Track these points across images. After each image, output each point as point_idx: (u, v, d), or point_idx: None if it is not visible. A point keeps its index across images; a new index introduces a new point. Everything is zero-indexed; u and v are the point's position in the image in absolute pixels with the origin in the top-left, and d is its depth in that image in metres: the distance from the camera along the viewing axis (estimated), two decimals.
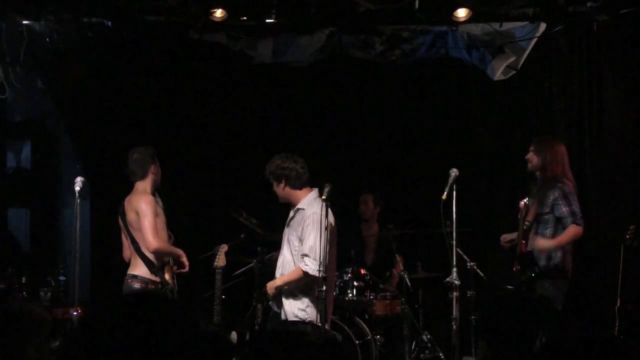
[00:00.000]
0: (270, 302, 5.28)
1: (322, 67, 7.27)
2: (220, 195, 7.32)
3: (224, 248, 5.92)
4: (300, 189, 5.15)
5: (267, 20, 6.51)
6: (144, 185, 5.35)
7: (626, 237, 6.34)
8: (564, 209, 5.45)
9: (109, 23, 6.82)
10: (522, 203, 5.59)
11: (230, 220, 6.67)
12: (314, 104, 7.64)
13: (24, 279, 5.95)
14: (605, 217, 6.64)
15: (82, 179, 5.37)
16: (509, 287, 5.64)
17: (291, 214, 5.20)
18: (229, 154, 7.59)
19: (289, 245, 5.16)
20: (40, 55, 6.82)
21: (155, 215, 5.24)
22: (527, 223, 5.46)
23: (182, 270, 5.44)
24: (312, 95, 7.64)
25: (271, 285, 5.15)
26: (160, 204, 5.44)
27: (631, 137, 6.94)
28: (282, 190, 5.16)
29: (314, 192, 5.16)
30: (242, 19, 6.41)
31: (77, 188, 5.25)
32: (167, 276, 5.33)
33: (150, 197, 5.26)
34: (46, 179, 7.38)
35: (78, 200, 5.20)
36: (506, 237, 5.83)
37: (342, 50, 7.08)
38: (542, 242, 5.46)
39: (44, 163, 7.41)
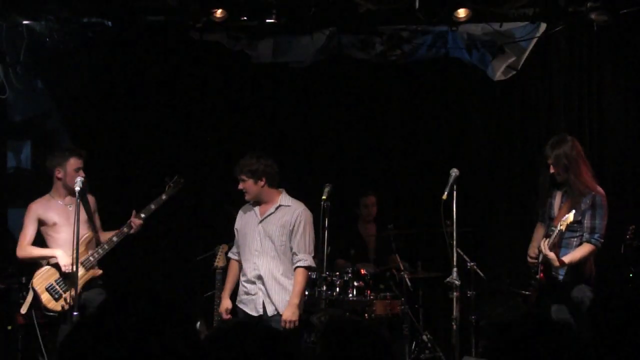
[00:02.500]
0: (243, 304, 5.33)
1: (322, 67, 7.27)
2: (220, 195, 7.31)
3: (224, 248, 5.93)
4: (276, 188, 5.33)
5: (267, 21, 6.50)
6: (54, 187, 5.62)
7: (626, 237, 6.34)
8: (586, 221, 5.08)
9: (109, 23, 6.82)
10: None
11: (230, 220, 6.66)
12: (314, 104, 7.64)
13: (24, 279, 5.93)
14: None
15: (82, 178, 5.37)
16: (525, 292, 5.48)
17: (269, 210, 5.29)
18: (228, 153, 7.58)
19: (271, 241, 5.26)
20: (40, 55, 6.82)
21: (35, 223, 5.52)
22: (552, 228, 5.10)
23: (64, 270, 5.45)
24: (312, 95, 7.63)
25: (294, 313, 5.13)
26: (88, 200, 5.60)
27: (631, 137, 6.95)
28: (259, 187, 5.27)
29: (284, 192, 5.37)
30: (242, 19, 6.40)
31: (77, 188, 5.25)
32: (35, 279, 5.44)
33: (30, 207, 5.55)
34: (46, 179, 7.37)
35: (78, 200, 5.19)
36: (533, 254, 5.31)
37: (342, 51, 7.08)
38: (556, 260, 5.03)
39: (44, 163, 7.40)
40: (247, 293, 5.32)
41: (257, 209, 5.37)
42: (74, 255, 5.08)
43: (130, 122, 7.40)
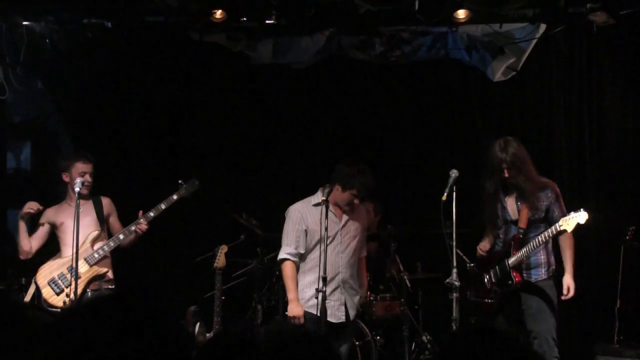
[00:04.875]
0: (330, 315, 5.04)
1: (322, 67, 7.26)
2: (221, 195, 7.31)
3: (224, 249, 5.93)
4: None
5: (267, 21, 6.50)
6: (67, 191, 5.64)
7: (626, 238, 6.36)
8: (557, 213, 5.18)
9: (109, 23, 6.82)
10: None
11: (230, 221, 6.67)
12: (314, 105, 7.63)
13: (24, 279, 5.94)
14: (605, 218, 6.63)
15: (82, 179, 5.37)
16: (488, 300, 5.45)
17: (350, 211, 5.19)
18: (228, 154, 7.59)
19: (355, 242, 5.24)
20: (40, 56, 6.82)
21: (46, 225, 5.60)
22: (521, 230, 5.19)
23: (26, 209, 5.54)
24: (312, 96, 7.63)
25: None
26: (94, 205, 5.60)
27: (631, 138, 6.96)
28: None
29: None
30: (242, 19, 6.40)
31: (77, 188, 5.26)
32: (38, 274, 5.48)
33: (44, 212, 5.61)
34: (46, 179, 7.38)
35: (78, 201, 5.20)
36: (485, 246, 5.42)
37: (342, 51, 7.08)
38: (570, 280, 5.14)
39: (44, 163, 7.42)
40: (324, 299, 4.87)
41: (333, 209, 5.15)
42: (74, 252, 5.09)
43: (130, 123, 7.40)
